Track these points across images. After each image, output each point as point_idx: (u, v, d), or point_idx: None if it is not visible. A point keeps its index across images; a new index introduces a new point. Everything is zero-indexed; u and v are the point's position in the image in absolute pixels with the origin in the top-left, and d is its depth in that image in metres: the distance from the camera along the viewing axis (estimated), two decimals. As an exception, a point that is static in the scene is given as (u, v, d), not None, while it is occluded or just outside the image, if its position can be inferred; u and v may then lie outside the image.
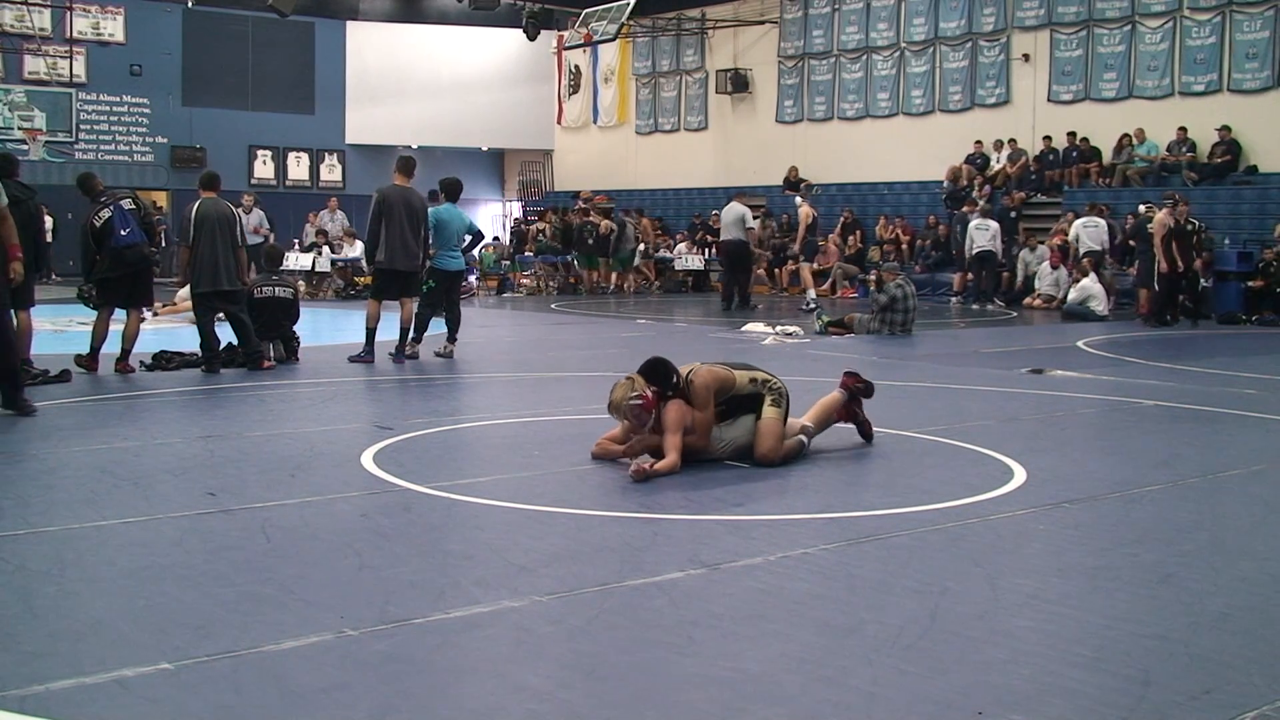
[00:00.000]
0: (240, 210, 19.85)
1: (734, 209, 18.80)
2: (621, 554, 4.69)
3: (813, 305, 18.54)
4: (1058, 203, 21.68)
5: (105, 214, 10.00)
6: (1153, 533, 5.17)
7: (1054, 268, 19.71)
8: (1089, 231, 19.49)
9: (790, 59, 26.81)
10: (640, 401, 6.20)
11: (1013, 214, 21.30)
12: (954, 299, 20.89)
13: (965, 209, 21.25)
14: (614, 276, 24.10)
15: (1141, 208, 18.19)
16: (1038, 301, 19.82)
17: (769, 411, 6.42)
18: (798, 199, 21.33)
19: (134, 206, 10.25)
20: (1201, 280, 17.87)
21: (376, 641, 3.63)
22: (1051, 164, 22.24)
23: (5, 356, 7.75)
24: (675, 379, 6.31)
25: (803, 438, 6.65)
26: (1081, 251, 19.26)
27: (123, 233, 9.97)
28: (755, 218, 19.68)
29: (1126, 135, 21.16)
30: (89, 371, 9.98)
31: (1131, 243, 18.51)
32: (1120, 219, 19.73)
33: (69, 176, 16.57)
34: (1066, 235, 19.88)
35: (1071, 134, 22.09)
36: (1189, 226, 17.17)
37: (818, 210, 20.95)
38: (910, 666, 3.49)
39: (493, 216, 32.26)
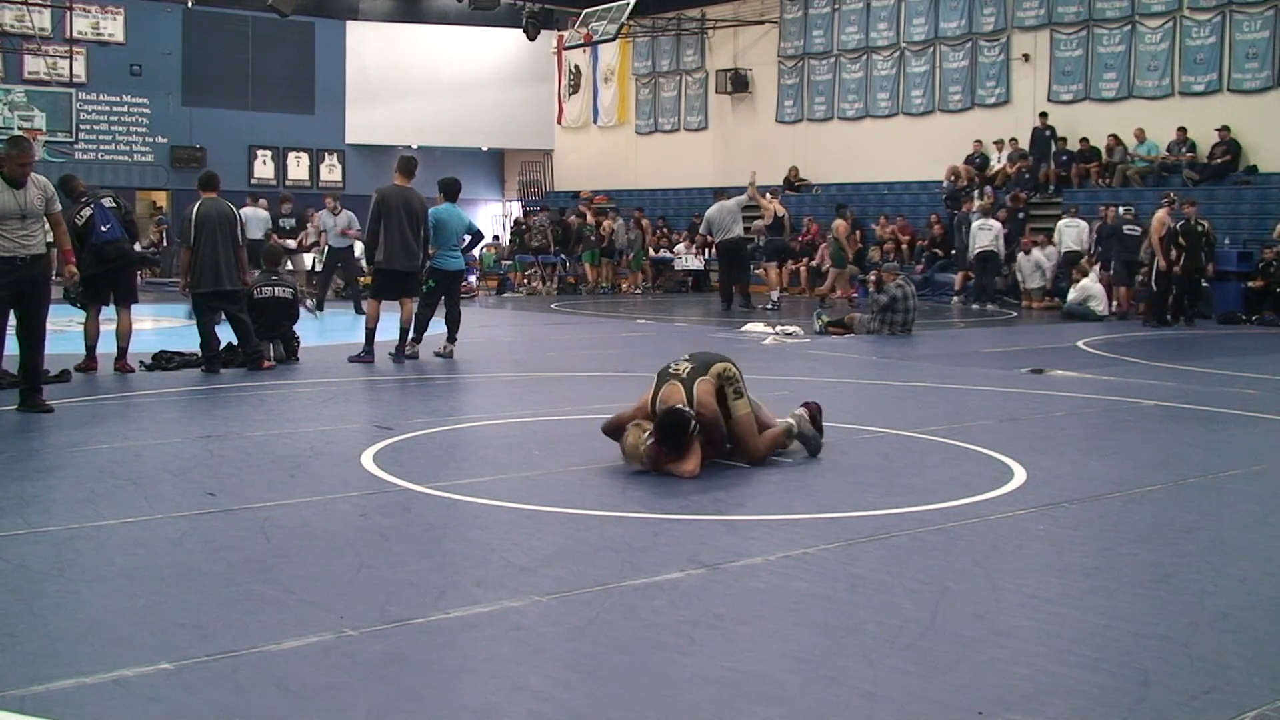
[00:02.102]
0: (324, 212, 19.62)
1: (726, 205, 18.70)
2: (621, 554, 4.69)
3: (770, 306, 18.76)
4: (1058, 202, 21.66)
5: (86, 212, 10.13)
6: (1153, 533, 5.17)
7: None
8: (1069, 232, 19.65)
9: (790, 59, 26.80)
10: (654, 441, 6.21)
11: (1020, 214, 21.27)
12: (955, 298, 20.89)
13: (965, 208, 21.21)
14: (638, 276, 24.54)
15: (1120, 209, 18.51)
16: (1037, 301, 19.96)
17: (738, 408, 6.35)
18: (762, 191, 21.19)
19: (114, 204, 10.36)
20: (1203, 281, 17.88)
21: (376, 641, 3.63)
22: (1043, 149, 22.18)
23: (34, 355, 7.94)
24: (691, 423, 6.10)
25: (791, 421, 6.64)
26: (1061, 251, 19.39)
27: (103, 229, 10.09)
28: (750, 197, 19.62)
29: (1114, 135, 21.15)
30: (89, 371, 10.03)
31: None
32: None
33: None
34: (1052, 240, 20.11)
35: (1042, 130, 22.19)
36: (1199, 228, 17.16)
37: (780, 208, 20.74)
38: (910, 666, 3.49)
39: (493, 216, 32.23)
